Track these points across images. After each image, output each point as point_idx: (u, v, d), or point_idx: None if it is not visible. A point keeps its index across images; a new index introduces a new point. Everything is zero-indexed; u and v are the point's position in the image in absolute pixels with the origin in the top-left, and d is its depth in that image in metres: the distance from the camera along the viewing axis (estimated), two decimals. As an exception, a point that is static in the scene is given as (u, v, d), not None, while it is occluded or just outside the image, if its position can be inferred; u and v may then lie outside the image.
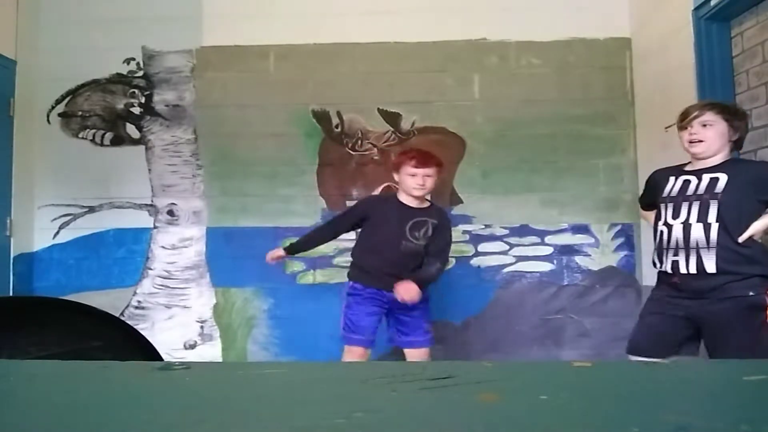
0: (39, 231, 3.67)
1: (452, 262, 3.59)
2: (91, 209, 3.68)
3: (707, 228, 2.18)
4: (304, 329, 3.53)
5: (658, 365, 0.77)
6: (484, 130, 3.63)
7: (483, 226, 3.60)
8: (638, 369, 0.80)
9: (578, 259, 3.57)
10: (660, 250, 2.32)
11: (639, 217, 3.53)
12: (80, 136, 3.72)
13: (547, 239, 3.60)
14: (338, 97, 3.67)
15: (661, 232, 2.30)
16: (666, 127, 3.17)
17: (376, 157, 3.64)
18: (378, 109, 3.66)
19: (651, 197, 2.46)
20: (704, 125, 2.25)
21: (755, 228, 2.16)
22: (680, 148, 2.41)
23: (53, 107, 3.72)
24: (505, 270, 3.60)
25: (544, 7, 3.65)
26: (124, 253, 3.67)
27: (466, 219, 3.57)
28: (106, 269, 3.66)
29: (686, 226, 2.22)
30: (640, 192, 2.68)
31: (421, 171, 2.78)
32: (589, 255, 3.59)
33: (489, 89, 3.66)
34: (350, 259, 3.01)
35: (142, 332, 1.36)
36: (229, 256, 3.64)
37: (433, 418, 0.54)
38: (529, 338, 3.54)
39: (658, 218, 2.34)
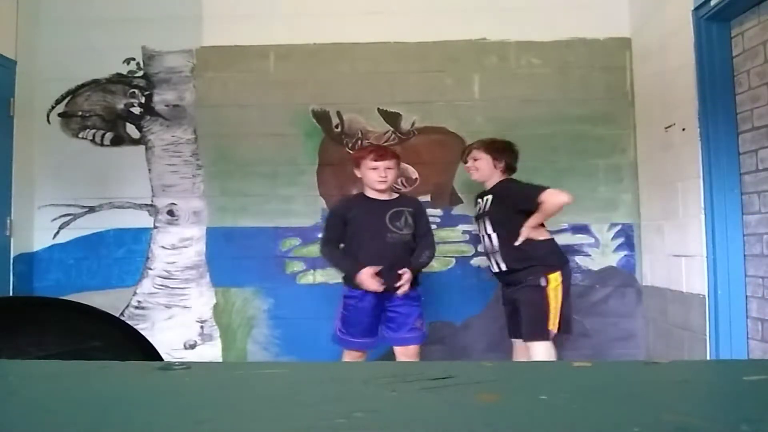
0: (39, 231, 3.67)
1: (452, 262, 3.59)
2: (91, 209, 3.68)
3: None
4: (304, 329, 3.53)
5: (658, 365, 0.77)
6: (484, 130, 3.62)
7: (483, 226, 3.59)
8: (638, 369, 0.80)
9: (578, 259, 3.57)
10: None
11: (639, 217, 3.54)
12: (80, 136, 3.72)
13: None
14: (338, 97, 3.67)
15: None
16: (666, 127, 3.17)
17: (376, 157, 3.64)
18: (378, 109, 3.66)
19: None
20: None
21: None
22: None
23: (53, 107, 3.72)
24: (505, 270, 3.59)
25: (544, 7, 3.65)
26: (124, 253, 3.67)
27: (466, 219, 3.57)
28: (106, 269, 3.66)
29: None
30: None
31: (381, 164, 2.88)
32: (589, 255, 3.59)
33: (489, 89, 3.66)
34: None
35: (142, 332, 1.36)
36: (229, 256, 3.64)
37: (433, 418, 0.54)
38: (529, 338, 3.53)
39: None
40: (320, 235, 3.16)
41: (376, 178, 2.88)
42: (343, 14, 3.68)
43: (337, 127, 3.66)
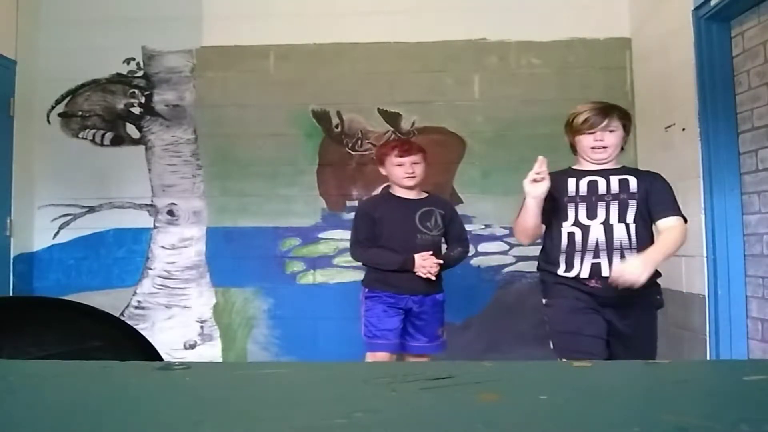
0: (39, 231, 3.67)
1: (452, 262, 3.58)
2: (91, 209, 3.68)
3: (628, 228, 2.18)
4: (304, 329, 3.53)
5: (658, 365, 0.77)
6: (484, 130, 3.63)
7: (483, 226, 3.60)
8: (638, 369, 0.80)
9: (578, 259, 3.57)
10: (570, 253, 2.20)
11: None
12: (80, 136, 3.72)
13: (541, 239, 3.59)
14: (338, 97, 3.67)
15: (572, 233, 2.20)
16: (666, 127, 3.17)
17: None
18: (378, 109, 3.66)
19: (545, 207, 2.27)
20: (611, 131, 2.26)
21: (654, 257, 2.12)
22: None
23: (53, 107, 3.72)
24: (505, 270, 3.60)
25: (544, 7, 3.65)
26: (124, 253, 3.67)
27: (466, 219, 3.57)
28: (106, 269, 3.66)
29: (607, 227, 2.18)
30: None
31: (407, 159, 2.69)
32: (589, 255, 3.58)
33: (489, 89, 3.66)
34: (349, 259, 3.01)
35: (142, 332, 1.36)
36: (229, 256, 3.64)
37: (433, 418, 0.54)
38: (529, 338, 3.54)
39: (561, 221, 2.23)
40: (349, 239, 2.87)
41: (403, 175, 2.69)
42: (343, 14, 3.68)
43: (337, 127, 3.66)
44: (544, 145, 3.66)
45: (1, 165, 3.44)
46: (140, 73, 3.74)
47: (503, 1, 3.66)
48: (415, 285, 2.64)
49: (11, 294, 3.37)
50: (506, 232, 3.61)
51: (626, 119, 2.29)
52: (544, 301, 2.31)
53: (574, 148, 2.35)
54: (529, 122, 3.59)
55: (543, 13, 3.65)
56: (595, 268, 2.16)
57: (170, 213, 3.68)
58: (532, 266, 3.61)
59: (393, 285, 2.67)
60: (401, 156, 2.69)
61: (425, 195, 2.80)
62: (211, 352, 3.62)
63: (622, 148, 2.31)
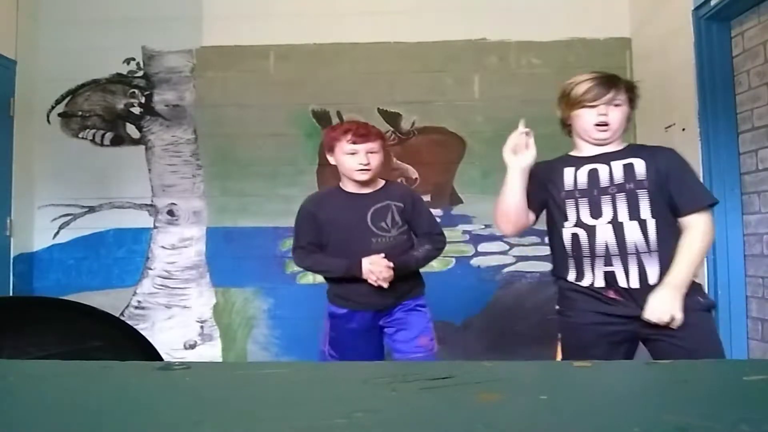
0: (39, 231, 3.67)
1: (452, 261, 3.59)
2: (91, 209, 3.68)
3: (643, 227, 1.78)
4: (304, 329, 3.52)
5: (658, 365, 0.77)
6: (484, 130, 3.62)
7: (483, 226, 3.60)
8: (638, 369, 0.80)
9: (578, 259, 3.57)
10: (577, 259, 1.85)
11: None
12: (80, 136, 3.72)
13: (547, 239, 3.59)
14: (338, 97, 3.67)
15: (575, 235, 1.85)
16: (666, 127, 3.17)
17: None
18: (378, 109, 3.66)
19: (538, 198, 1.95)
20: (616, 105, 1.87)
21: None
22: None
23: (53, 107, 3.72)
24: (505, 270, 3.60)
25: (544, 7, 3.65)
26: (124, 253, 3.67)
27: (466, 219, 3.57)
28: (106, 269, 3.66)
29: (616, 226, 1.79)
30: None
31: (361, 147, 2.18)
32: (589, 255, 3.58)
33: (489, 89, 3.66)
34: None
35: (142, 332, 1.36)
36: (229, 256, 3.64)
37: (433, 418, 0.54)
38: (529, 338, 3.54)
39: (561, 220, 1.89)
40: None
41: (355, 166, 2.18)
42: (343, 14, 3.68)
43: (337, 127, 3.66)
44: (544, 145, 3.67)
45: (1, 165, 3.44)
46: (140, 73, 3.74)
47: (503, 1, 3.66)
48: (376, 299, 2.16)
49: (11, 294, 3.37)
50: (506, 232, 3.61)
51: (632, 92, 1.92)
52: (557, 307, 1.99)
53: (567, 128, 2.02)
54: (529, 122, 3.58)
55: (543, 13, 3.65)
56: (610, 278, 1.79)
57: (170, 213, 3.68)
58: (532, 266, 3.63)
59: (351, 299, 2.20)
60: (354, 143, 2.18)
61: (379, 186, 2.28)
62: (211, 352, 3.62)
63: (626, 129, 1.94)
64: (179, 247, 3.67)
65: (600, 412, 0.57)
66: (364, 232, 2.19)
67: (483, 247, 3.60)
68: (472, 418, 0.53)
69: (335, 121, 3.66)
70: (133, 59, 3.73)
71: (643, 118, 3.51)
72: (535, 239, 3.59)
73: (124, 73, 3.74)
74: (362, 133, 2.21)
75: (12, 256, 3.48)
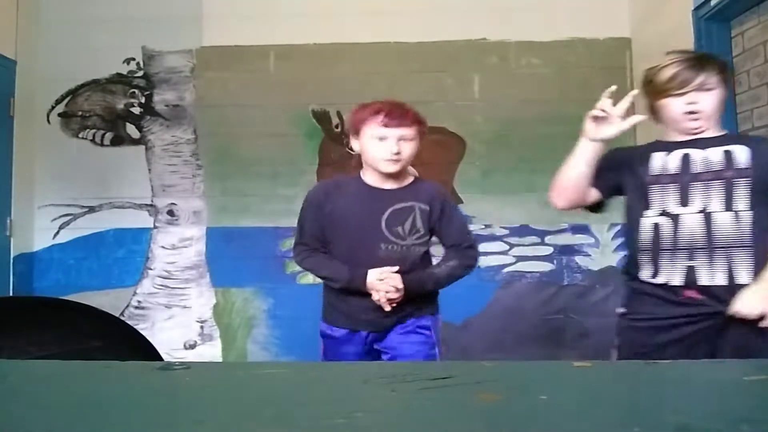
0: (39, 231, 3.67)
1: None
2: (91, 209, 3.68)
3: (738, 219, 1.60)
4: (304, 329, 3.52)
5: (658, 365, 0.77)
6: (484, 130, 3.63)
7: (483, 226, 3.60)
8: (638, 369, 0.80)
9: (578, 259, 3.57)
10: (655, 253, 1.67)
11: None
12: (80, 136, 3.72)
13: (547, 239, 3.60)
14: (338, 97, 3.66)
15: (657, 226, 1.68)
16: (666, 127, 3.17)
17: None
18: (378, 109, 3.66)
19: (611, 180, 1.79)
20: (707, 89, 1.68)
21: None
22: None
23: (53, 107, 3.72)
24: (505, 270, 3.60)
25: (544, 7, 3.65)
26: (124, 253, 3.67)
27: (467, 219, 3.57)
28: (106, 269, 3.66)
29: (706, 216, 1.62)
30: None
31: (393, 132, 1.82)
32: (589, 255, 3.59)
33: (489, 89, 3.66)
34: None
35: (142, 332, 1.36)
36: (229, 256, 3.64)
37: (433, 418, 0.54)
38: (529, 338, 3.54)
39: (641, 209, 1.72)
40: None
41: (384, 155, 1.82)
42: (343, 14, 3.68)
43: (337, 127, 3.66)
44: (544, 145, 3.68)
45: (1, 165, 3.44)
46: (140, 73, 3.74)
47: (503, 1, 3.66)
48: (374, 316, 1.85)
49: (11, 294, 3.37)
50: (506, 232, 3.61)
51: (725, 72, 1.72)
52: (620, 310, 1.79)
53: (656, 116, 1.79)
54: (529, 122, 3.59)
55: (543, 13, 3.65)
56: (690, 275, 1.62)
57: (170, 213, 3.68)
58: (532, 266, 3.63)
59: (352, 317, 1.89)
60: (386, 125, 1.82)
61: (406, 183, 1.93)
62: (211, 352, 3.62)
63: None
64: (179, 247, 3.67)
65: (600, 412, 0.57)
66: (373, 235, 1.84)
67: (483, 247, 3.59)
68: (472, 418, 0.53)
69: (335, 121, 3.66)
70: (133, 59, 3.73)
71: (643, 118, 3.51)
72: (535, 239, 3.60)
73: (124, 73, 3.74)
74: (397, 114, 1.84)
75: (12, 256, 3.48)
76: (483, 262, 3.60)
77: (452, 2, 3.69)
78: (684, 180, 1.66)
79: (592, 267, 3.58)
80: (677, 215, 1.64)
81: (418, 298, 1.89)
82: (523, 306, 3.56)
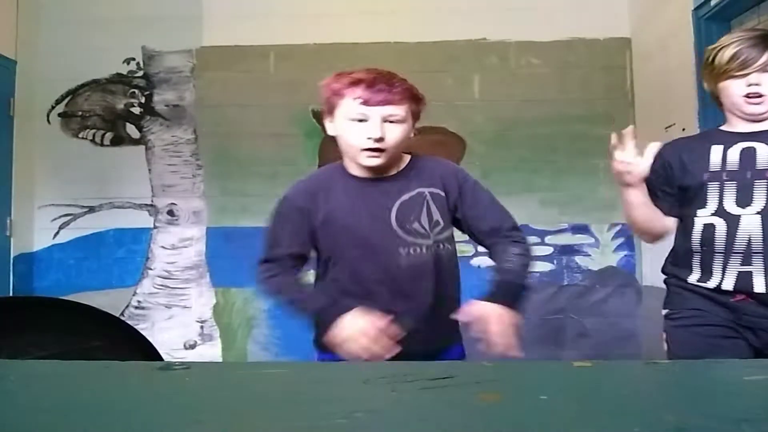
0: (39, 231, 3.67)
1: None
2: (91, 209, 3.68)
3: None
4: (304, 329, 3.52)
5: (658, 365, 0.77)
6: (484, 130, 3.63)
7: (483, 226, 3.59)
8: (638, 369, 0.80)
9: (578, 259, 3.57)
10: (707, 255, 1.57)
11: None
12: (80, 136, 3.72)
13: (547, 239, 3.60)
14: (338, 97, 3.66)
15: (711, 226, 1.56)
16: (666, 127, 3.17)
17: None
18: (378, 109, 3.65)
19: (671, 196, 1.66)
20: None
21: None
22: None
23: (53, 107, 3.72)
24: (505, 270, 3.60)
25: (544, 7, 3.65)
26: (124, 253, 3.67)
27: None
28: (106, 269, 3.66)
29: (766, 217, 1.49)
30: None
31: (376, 111, 1.39)
32: (589, 255, 3.59)
33: (489, 89, 3.66)
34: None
35: (142, 332, 1.36)
36: (229, 256, 3.64)
37: (433, 418, 0.54)
38: (529, 338, 3.53)
39: (695, 207, 1.60)
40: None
41: (362, 141, 1.40)
42: (343, 14, 3.68)
43: (337, 127, 3.66)
44: (544, 145, 3.69)
45: (1, 165, 3.44)
46: (140, 73, 3.74)
47: (503, 1, 3.66)
48: (407, 346, 1.33)
49: (11, 294, 3.37)
50: (506, 232, 3.61)
51: None
52: (664, 312, 1.69)
53: (717, 100, 1.66)
54: (529, 122, 3.59)
55: (543, 13, 3.65)
56: (744, 280, 1.51)
57: (170, 213, 3.68)
58: (531, 266, 3.62)
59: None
60: (366, 102, 1.38)
61: (404, 164, 1.50)
62: (211, 352, 3.62)
63: None
64: (179, 247, 3.67)
65: (600, 412, 0.57)
66: (386, 241, 1.41)
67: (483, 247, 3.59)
68: (472, 418, 0.53)
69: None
70: (133, 59, 3.73)
71: (643, 119, 3.51)
72: (535, 239, 3.59)
73: (124, 73, 3.74)
74: (382, 87, 1.38)
75: (12, 256, 3.48)
76: (483, 261, 3.60)
77: (452, 2, 3.68)
78: (745, 177, 1.53)
79: (592, 267, 3.58)
80: (736, 216, 1.52)
81: (445, 323, 1.47)
82: (523, 306, 3.56)
